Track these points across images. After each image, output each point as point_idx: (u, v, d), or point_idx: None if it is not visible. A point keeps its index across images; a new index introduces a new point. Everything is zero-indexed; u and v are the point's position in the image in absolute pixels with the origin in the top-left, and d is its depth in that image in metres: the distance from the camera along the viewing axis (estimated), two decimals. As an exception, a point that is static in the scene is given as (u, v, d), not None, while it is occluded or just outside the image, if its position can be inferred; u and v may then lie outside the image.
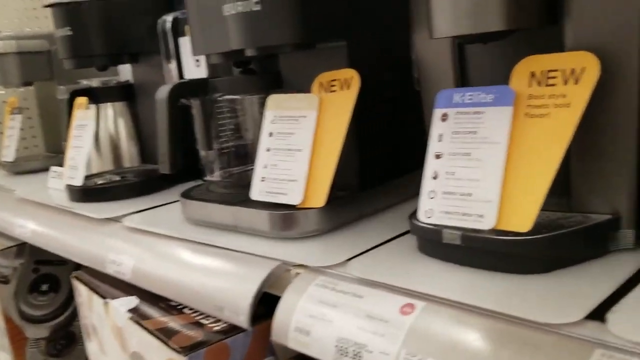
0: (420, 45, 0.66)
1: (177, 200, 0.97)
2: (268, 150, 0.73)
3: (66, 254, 0.96)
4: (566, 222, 0.55)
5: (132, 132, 1.25)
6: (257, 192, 0.72)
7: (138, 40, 1.05)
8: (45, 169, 1.50)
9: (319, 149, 0.68)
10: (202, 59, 1.04)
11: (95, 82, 1.40)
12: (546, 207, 0.59)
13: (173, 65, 1.05)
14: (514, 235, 0.52)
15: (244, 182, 0.74)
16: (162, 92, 0.77)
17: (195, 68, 1.05)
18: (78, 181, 1.03)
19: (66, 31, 0.99)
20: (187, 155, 1.07)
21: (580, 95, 0.50)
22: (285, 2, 0.64)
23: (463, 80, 0.64)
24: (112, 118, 1.23)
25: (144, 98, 1.20)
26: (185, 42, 1.05)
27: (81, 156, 1.04)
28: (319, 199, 0.67)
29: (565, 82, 0.51)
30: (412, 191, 0.82)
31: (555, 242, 0.53)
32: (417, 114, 0.83)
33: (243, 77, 0.80)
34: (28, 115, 1.70)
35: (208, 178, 0.88)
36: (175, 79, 1.05)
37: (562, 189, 0.58)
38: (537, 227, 0.53)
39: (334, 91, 0.69)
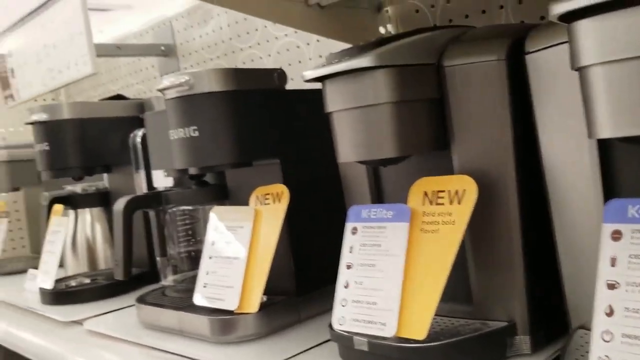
0: (342, 164, 0.73)
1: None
2: (210, 257, 0.79)
3: (33, 356, 1.00)
4: (464, 329, 0.60)
5: (107, 236, 1.32)
6: (199, 297, 0.78)
7: (111, 153, 1.14)
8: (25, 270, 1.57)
9: (253, 257, 0.75)
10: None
11: (78, 188, 1.49)
12: (450, 314, 0.65)
13: (142, 175, 1.13)
14: (414, 342, 0.57)
15: (186, 287, 0.79)
16: (119, 204, 0.84)
17: (163, 178, 1.14)
18: (49, 284, 1.08)
19: (44, 146, 1.09)
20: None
21: (462, 214, 0.57)
22: (221, 128, 0.72)
23: (379, 195, 0.71)
24: (90, 222, 1.31)
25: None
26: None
27: (52, 261, 1.10)
28: (253, 304, 0.73)
29: (451, 202, 0.58)
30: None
31: (452, 349, 0.57)
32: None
33: (194, 189, 0.87)
34: (17, 217, 1.78)
35: (163, 282, 0.93)
36: (144, 187, 1.13)
37: (465, 297, 0.63)
38: (437, 334, 0.58)
39: (267, 204, 0.76)
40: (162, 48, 1.38)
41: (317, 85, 0.62)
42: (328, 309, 0.84)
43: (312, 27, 0.86)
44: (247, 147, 0.74)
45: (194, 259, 0.94)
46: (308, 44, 1.06)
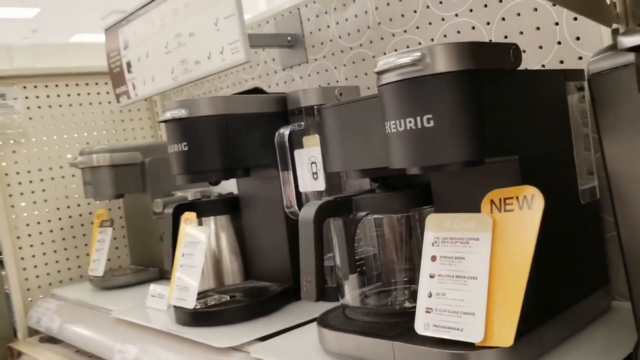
0: (613, 155, 0.58)
1: (301, 325, 0.90)
2: (432, 277, 0.65)
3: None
4: None
5: (235, 247, 1.19)
6: (422, 325, 0.64)
7: (253, 153, 1.01)
8: (134, 284, 1.46)
9: (498, 277, 0.60)
10: (320, 172, 0.99)
11: (190, 194, 1.38)
12: None
13: (290, 178, 1.00)
14: None
15: (386, 309, 0.65)
16: (308, 212, 0.71)
17: (312, 181, 1.00)
18: (190, 303, 0.96)
19: (182, 146, 0.96)
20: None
21: None
22: (460, 117, 0.58)
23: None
24: (214, 232, 1.18)
25: (249, 211, 1.15)
26: (300, 154, 1.01)
27: (193, 276, 0.98)
28: (506, 336, 0.58)
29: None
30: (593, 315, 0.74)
31: None
32: (589, 228, 0.75)
33: (388, 194, 0.74)
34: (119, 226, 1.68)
35: (345, 302, 0.80)
36: (293, 191, 1.00)
37: None
38: None
39: (510, 210, 0.61)
40: (289, 38, 1.25)
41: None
42: (572, 334, 0.70)
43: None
44: (483, 141, 0.59)
45: (380, 277, 0.80)
46: (488, 23, 0.91)
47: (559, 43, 0.83)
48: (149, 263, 1.52)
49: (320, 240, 0.71)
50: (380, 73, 0.61)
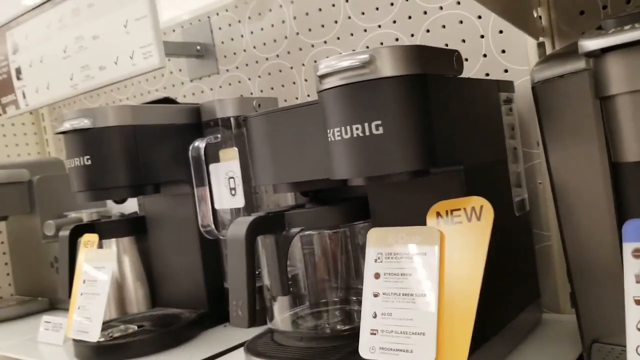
0: (558, 166, 0.58)
1: (223, 354, 0.83)
2: (376, 295, 0.60)
3: None
4: None
5: (139, 272, 1.09)
6: (367, 348, 0.59)
7: (164, 168, 0.93)
8: (20, 317, 1.30)
9: (448, 293, 0.57)
10: (239, 187, 0.93)
11: (85, 215, 1.25)
12: None
13: (206, 193, 0.93)
14: None
15: (320, 333, 0.61)
16: (239, 229, 0.64)
17: (230, 197, 0.94)
18: (93, 336, 0.86)
19: (84, 160, 0.86)
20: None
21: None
22: (410, 124, 0.55)
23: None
24: (116, 256, 1.08)
25: (157, 232, 1.06)
26: (217, 169, 0.94)
27: (96, 306, 0.87)
28: (460, 355, 0.55)
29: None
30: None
31: None
32: (522, 241, 0.75)
33: (323, 208, 0.69)
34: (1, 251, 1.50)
35: (274, 326, 0.74)
36: (209, 208, 0.93)
37: None
38: None
39: (458, 222, 0.58)
40: (198, 48, 1.18)
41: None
42: (512, 350, 0.68)
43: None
44: (432, 150, 0.56)
45: (310, 296, 0.75)
46: (412, 35, 0.90)
47: (485, 56, 0.83)
48: (37, 293, 1.36)
49: (252, 259, 0.64)
50: (323, 77, 0.56)
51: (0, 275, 1.52)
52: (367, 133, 0.55)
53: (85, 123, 0.86)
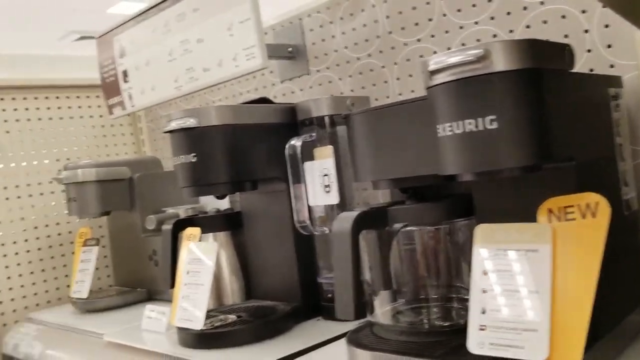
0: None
1: (319, 345, 0.85)
2: (484, 292, 0.60)
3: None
4: None
5: (235, 265, 1.13)
6: (475, 343, 0.59)
7: (261, 166, 0.96)
8: (119, 307, 1.37)
9: (562, 290, 0.56)
10: (334, 184, 0.94)
11: (182, 211, 1.31)
12: None
13: (303, 190, 0.95)
14: None
15: (422, 328, 0.61)
16: (344, 224, 0.66)
17: (324, 194, 0.96)
18: (197, 324, 0.90)
19: (190, 158, 0.90)
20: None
21: None
22: (525, 119, 0.54)
23: None
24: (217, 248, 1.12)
25: (252, 227, 1.09)
26: (312, 167, 0.96)
27: (200, 295, 0.92)
28: (574, 353, 0.54)
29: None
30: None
31: None
32: (630, 241, 0.73)
33: (426, 204, 0.69)
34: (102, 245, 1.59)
35: (374, 319, 0.75)
36: (306, 204, 0.96)
37: None
38: None
39: (572, 219, 0.58)
40: (289, 49, 1.21)
41: None
42: (622, 351, 0.67)
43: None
44: (547, 145, 0.56)
45: (412, 292, 0.76)
46: (511, 31, 0.89)
47: (589, 51, 0.81)
48: (136, 284, 1.43)
49: (357, 254, 0.66)
50: (434, 72, 0.57)
51: (99, 267, 1.61)
52: (481, 128, 0.55)
53: (191, 122, 0.90)
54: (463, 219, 0.71)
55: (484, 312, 0.60)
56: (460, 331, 0.65)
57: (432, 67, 0.57)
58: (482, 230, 0.62)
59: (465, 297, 0.73)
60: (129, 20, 1.10)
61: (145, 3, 1.08)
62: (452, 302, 0.75)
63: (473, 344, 0.59)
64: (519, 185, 0.64)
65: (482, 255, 0.61)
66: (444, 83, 0.57)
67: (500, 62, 0.54)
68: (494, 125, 0.54)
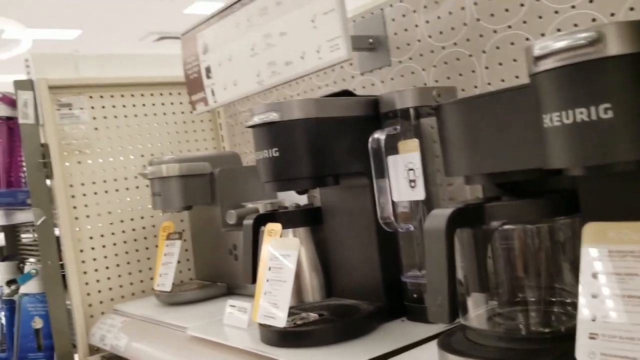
0: None
1: (406, 349, 0.81)
2: (594, 296, 0.55)
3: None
4: None
5: (315, 262, 1.12)
6: (585, 352, 0.54)
7: (342, 161, 0.94)
8: (201, 300, 1.39)
9: (686, 298, 0.50)
10: (419, 179, 0.91)
11: (260, 206, 1.31)
12: None
13: (387, 185, 0.92)
14: None
15: (518, 334, 0.56)
16: (438, 221, 0.62)
17: (409, 190, 0.92)
18: (280, 322, 0.88)
19: (272, 152, 0.89)
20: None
21: None
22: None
23: None
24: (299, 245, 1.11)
25: (333, 223, 1.07)
26: (396, 161, 0.93)
27: (283, 292, 0.90)
28: (703, 369, 0.48)
29: None
30: None
31: None
32: None
33: (527, 201, 0.65)
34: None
35: (467, 323, 0.71)
36: (390, 200, 0.92)
37: None
38: None
39: (699, 219, 0.52)
40: (370, 40, 1.18)
41: None
42: None
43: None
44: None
45: (509, 294, 0.71)
46: (612, 14, 0.82)
47: None
48: (216, 278, 1.45)
49: (452, 252, 0.62)
50: (539, 58, 0.53)
51: (181, 260, 1.64)
52: (594, 117, 0.50)
53: (273, 116, 0.89)
54: (566, 217, 0.66)
55: (594, 320, 0.55)
56: (563, 338, 0.61)
57: (537, 52, 0.53)
58: (592, 229, 0.57)
59: (567, 300, 0.68)
60: (212, 17, 1.10)
61: (221, 2, 1.08)
62: (552, 306, 0.70)
63: (582, 353, 0.55)
64: (630, 181, 0.59)
65: (592, 256, 0.56)
66: (551, 69, 0.52)
67: (615, 46, 0.49)
68: (609, 115, 0.50)
